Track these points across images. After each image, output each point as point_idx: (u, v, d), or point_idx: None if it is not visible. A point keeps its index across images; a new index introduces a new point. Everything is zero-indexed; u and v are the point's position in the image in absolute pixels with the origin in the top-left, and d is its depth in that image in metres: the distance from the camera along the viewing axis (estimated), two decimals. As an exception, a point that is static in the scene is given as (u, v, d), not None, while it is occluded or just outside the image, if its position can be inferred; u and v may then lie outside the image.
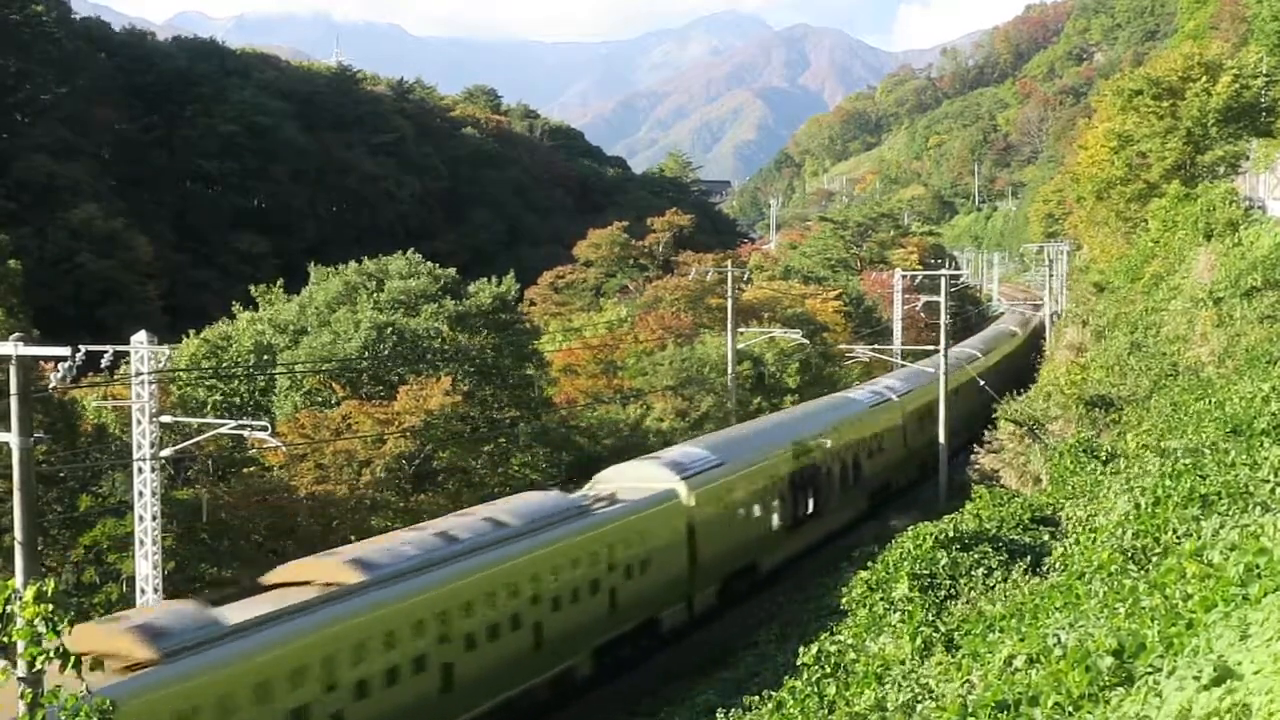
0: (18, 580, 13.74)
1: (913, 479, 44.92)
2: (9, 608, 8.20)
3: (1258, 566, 9.29)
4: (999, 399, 39.50)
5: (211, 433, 27.77)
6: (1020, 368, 62.29)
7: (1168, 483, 15.60)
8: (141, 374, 23.99)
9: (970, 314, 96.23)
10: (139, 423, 24.12)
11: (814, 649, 16.74)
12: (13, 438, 14.63)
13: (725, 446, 31.58)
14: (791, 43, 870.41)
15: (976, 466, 39.05)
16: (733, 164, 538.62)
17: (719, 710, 17.29)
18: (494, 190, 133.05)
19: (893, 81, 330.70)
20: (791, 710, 15.10)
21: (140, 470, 24.12)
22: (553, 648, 23.16)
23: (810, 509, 34.42)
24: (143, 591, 24.12)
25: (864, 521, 38.03)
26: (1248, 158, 56.98)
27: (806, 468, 34.21)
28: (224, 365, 38.87)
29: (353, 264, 42.75)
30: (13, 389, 14.55)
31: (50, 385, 16.63)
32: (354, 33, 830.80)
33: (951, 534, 20.61)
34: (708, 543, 28.46)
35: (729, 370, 45.20)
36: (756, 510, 31.44)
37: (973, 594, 18.32)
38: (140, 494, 24.23)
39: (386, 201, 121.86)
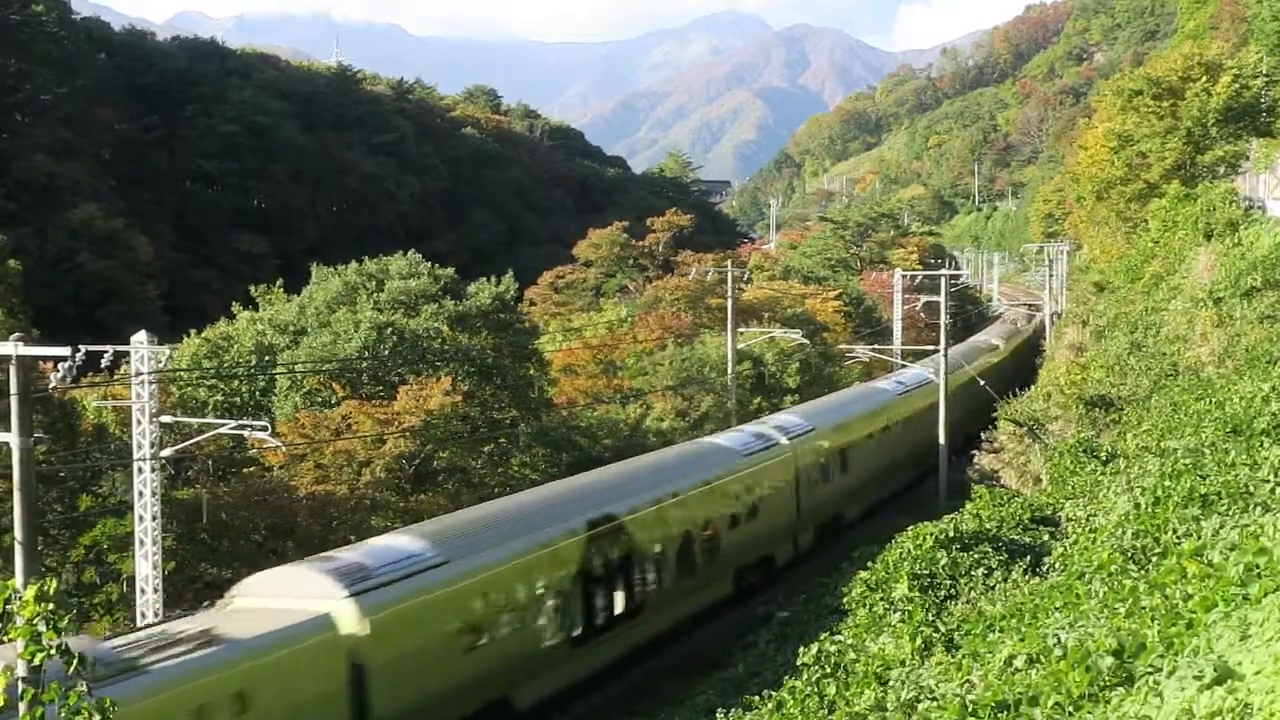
0: (18, 580, 13.74)
1: (809, 548, 34.29)
2: (9, 607, 8.20)
3: (1258, 566, 9.30)
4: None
5: (212, 433, 27.77)
6: (1000, 389, 49.83)
7: (1168, 483, 15.61)
8: (141, 374, 24.00)
9: (970, 314, 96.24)
10: (139, 423, 24.13)
11: (814, 649, 16.75)
12: (13, 438, 14.63)
13: (462, 534, 21.91)
14: (791, 43, 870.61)
15: (976, 466, 39.06)
16: (733, 164, 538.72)
17: (719, 710, 17.29)
18: (494, 190, 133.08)
19: (893, 81, 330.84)
20: (791, 710, 15.11)
21: (140, 470, 24.12)
22: None
23: (620, 609, 25.07)
24: (143, 591, 24.13)
25: (727, 609, 29.40)
26: (1248, 158, 57.00)
27: (615, 552, 24.78)
28: (224, 365, 38.87)
29: (353, 264, 42.76)
30: (13, 389, 14.54)
31: (50, 385, 16.63)
32: (354, 33, 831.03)
33: (951, 534, 20.64)
34: (395, 690, 19.04)
35: (729, 370, 45.20)
36: (508, 625, 21.80)
37: (973, 594, 18.34)
38: (140, 494, 24.23)
39: (386, 201, 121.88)
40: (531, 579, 22.60)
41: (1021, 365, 63.79)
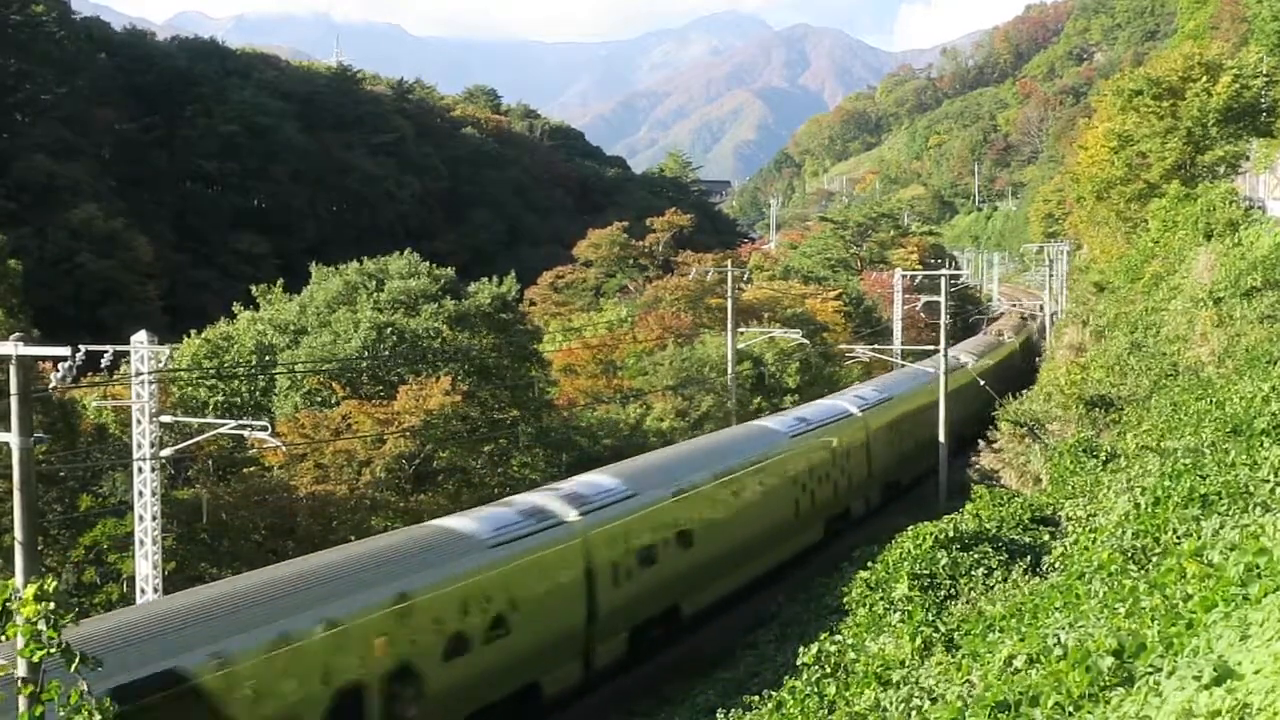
0: (18, 580, 13.74)
1: (615, 661, 24.99)
2: (8, 606, 8.21)
3: (1258, 566, 9.29)
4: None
5: (212, 433, 27.78)
6: (964, 420, 42.78)
7: (1168, 483, 15.60)
8: (141, 374, 24.00)
9: (971, 314, 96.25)
10: (139, 423, 24.13)
11: (814, 649, 16.74)
12: (13, 438, 14.63)
13: None
14: (791, 43, 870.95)
15: (976, 467, 39.04)
16: (733, 164, 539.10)
17: (719, 710, 17.29)
18: (494, 190, 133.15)
19: (893, 81, 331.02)
20: (791, 710, 15.12)
21: (140, 470, 24.12)
22: None
23: None
24: (143, 591, 24.13)
25: None
26: (1248, 158, 57.00)
27: None
28: (224, 365, 38.86)
29: (353, 264, 42.76)
30: (13, 389, 14.55)
31: (50, 385, 16.63)
32: (354, 33, 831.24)
33: (951, 534, 20.64)
34: None
35: (729, 370, 45.21)
36: None
37: (973, 594, 18.34)
38: (140, 494, 24.23)
39: (386, 201, 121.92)
40: None
41: (1001, 385, 49.23)
